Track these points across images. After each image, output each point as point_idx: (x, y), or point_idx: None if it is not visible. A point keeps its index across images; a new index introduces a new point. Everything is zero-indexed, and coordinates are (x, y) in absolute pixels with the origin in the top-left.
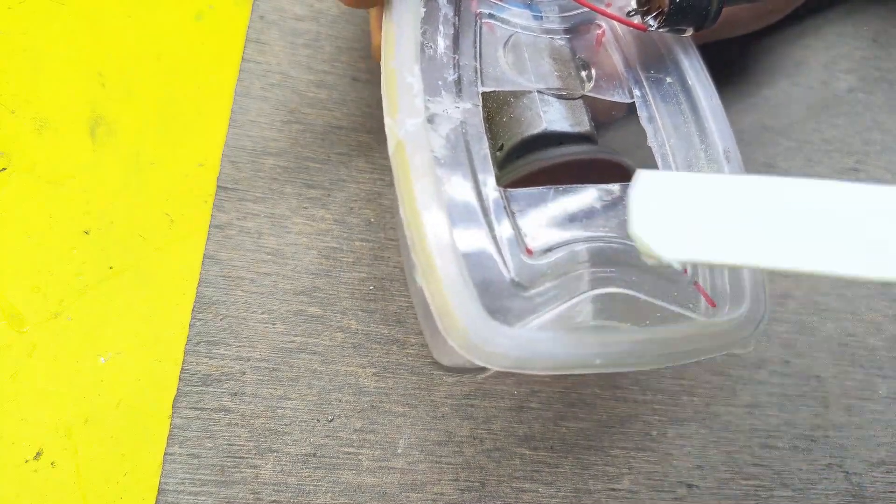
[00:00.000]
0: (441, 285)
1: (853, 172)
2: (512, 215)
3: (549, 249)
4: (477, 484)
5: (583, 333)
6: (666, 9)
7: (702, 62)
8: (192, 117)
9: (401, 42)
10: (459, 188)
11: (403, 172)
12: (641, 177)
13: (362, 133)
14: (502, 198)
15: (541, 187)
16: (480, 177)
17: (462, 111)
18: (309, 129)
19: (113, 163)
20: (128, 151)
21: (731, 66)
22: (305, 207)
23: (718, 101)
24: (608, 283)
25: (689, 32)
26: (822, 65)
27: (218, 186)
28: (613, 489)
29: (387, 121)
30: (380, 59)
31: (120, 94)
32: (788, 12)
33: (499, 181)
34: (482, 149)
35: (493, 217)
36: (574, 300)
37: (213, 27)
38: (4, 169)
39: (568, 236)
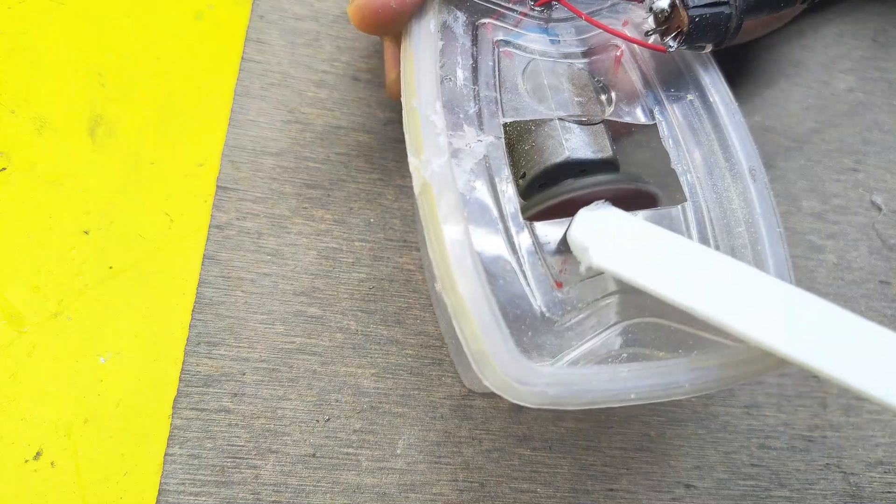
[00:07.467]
0: (475, 328)
1: (853, 172)
2: (539, 249)
3: (577, 282)
4: (476, 484)
5: (617, 367)
6: (685, 28)
7: (722, 78)
8: (191, 117)
9: (421, 78)
10: (486, 226)
11: (431, 214)
12: (584, 211)
13: (362, 133)
14: (529, 232)
15: (566, 218)
16: (506, 211)
17: (485, 145)
18: (309, 129)
19: (113, 163)
20: (127, 151)
21: (731, 66)
22: (305, 207)
23: (741, 118)
24: (638, 312)
25: (709, 49)
26: (821, 65)
27: (217, 186)
28: (611, 489)
29: (411, 160)
30: (393, 96)
31: (120, 94)
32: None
33: (523, 211)
34: (506, 182)
35: (521, 253)
36: (605, 332)
37: (213, 27)
38: (4, 169)
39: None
